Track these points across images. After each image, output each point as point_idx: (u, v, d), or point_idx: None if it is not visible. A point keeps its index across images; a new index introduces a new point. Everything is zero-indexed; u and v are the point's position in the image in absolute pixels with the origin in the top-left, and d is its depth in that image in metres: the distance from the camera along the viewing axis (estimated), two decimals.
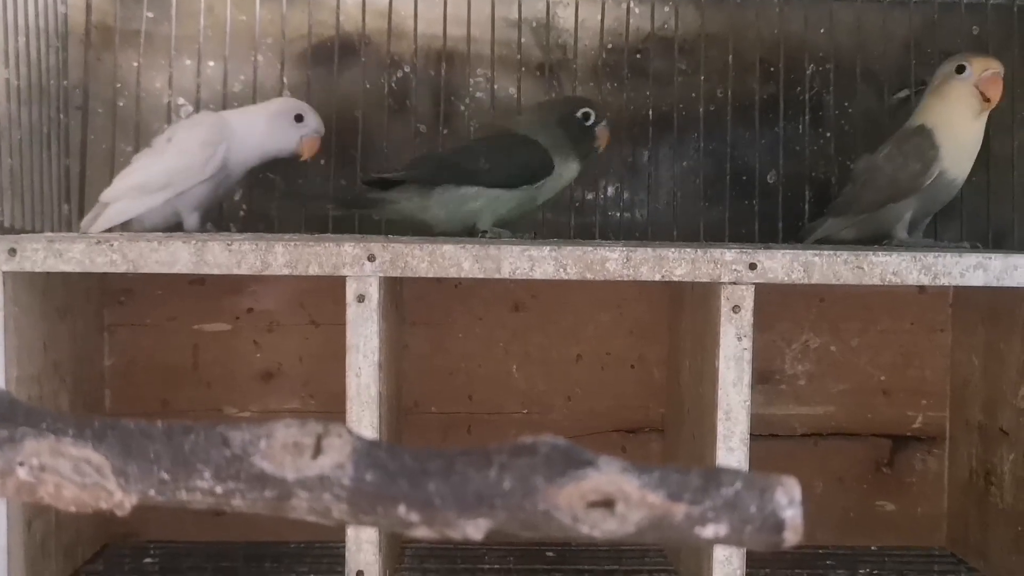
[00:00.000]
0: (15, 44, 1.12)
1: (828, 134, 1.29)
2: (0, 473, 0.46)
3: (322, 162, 1.26)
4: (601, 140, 1.16)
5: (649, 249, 0.93)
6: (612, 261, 0.92)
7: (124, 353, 1.20)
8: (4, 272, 0.89)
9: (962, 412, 1.22)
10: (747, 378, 0.93)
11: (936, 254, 0.94)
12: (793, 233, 1.25)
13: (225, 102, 1.25)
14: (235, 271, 0.91)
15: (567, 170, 1.15)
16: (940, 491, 1.26)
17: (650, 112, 1.28)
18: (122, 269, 0.91)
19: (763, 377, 1.23)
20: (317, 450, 0.46)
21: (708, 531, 0.44)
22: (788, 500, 0.45)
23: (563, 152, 1.14)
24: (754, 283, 0.92)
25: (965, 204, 1.26)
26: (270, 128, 1.15)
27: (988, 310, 1.15)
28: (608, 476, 0.45)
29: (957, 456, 1.23)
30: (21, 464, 0.47)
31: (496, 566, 1.12)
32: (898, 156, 1.15)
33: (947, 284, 0.94)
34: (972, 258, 0.93)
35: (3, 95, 1.09)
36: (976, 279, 0.93)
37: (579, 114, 1.15)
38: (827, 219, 1.20)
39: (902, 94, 1.26)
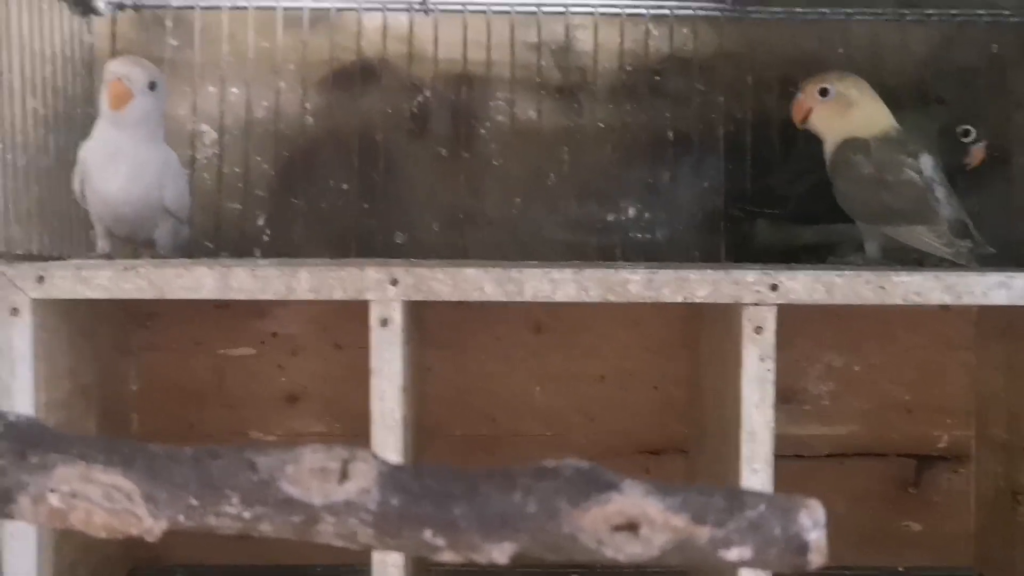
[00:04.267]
0: (42, 73, 1.13)
1: None
2: (32, 500, 0.47)
3: (345, 186, 1.27)
4: (974, 158, 1.20)
5: (670, 271, 0.93)
6: (634, 283, 0.92)
7: (150, 377, 1.21)
8: (33, 299, 0.90)
9: (987, 430, 1.21)
10: (770, 399, 0.92)
11: (959, 273, 0.93)
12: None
13: (248, 128, 1.26)
14: (260, 296, 0.92)
15: None
16: (967, 510, 1.24)
17: (670, 133, 1.28)
18: (148, 295, 0.91)
19: (786, 397, 1.22)
20: (343, 475, 0.46)
21: (732, 554, 0.44)
22: (812, 522, 0.45)
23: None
24: (776, 304, 0.92)
25: (986, 220, 1.26)
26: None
27: (1009, 327, 1.15)
28: (632, 499, 0.45)
29: (983, 475, 1.22)
30: (52, 491, 0.47)
31: None
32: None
33: (970, 304, 0.94)
34: (995, 277, 0.93)
35: (31, 123, 1.10)
36: (999, 298, 0.93)
37: (959, 130, 1.20)
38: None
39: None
